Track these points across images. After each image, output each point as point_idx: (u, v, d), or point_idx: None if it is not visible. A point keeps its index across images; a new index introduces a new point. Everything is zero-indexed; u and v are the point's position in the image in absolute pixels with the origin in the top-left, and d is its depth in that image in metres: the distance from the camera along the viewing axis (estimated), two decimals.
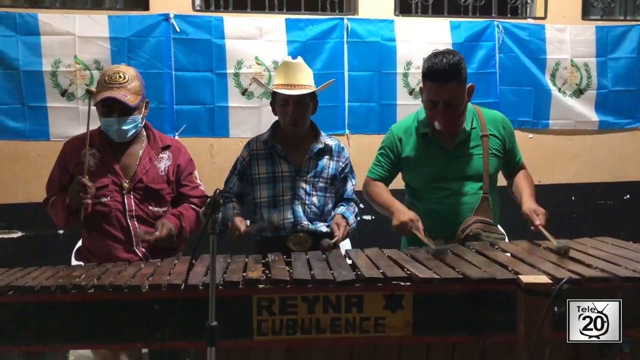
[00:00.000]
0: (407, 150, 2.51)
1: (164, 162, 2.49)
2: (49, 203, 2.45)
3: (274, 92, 2.46)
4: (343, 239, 2.38)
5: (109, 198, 2.38)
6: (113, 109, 2.33)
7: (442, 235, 2.40)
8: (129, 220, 2.39)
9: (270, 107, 2.57)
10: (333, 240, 2.30)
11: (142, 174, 2.42)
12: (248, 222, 2.40)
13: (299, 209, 2.44)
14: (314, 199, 2.46)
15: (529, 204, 2.38)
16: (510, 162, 2.60)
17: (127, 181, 2.41)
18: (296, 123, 2.43)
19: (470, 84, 2.40)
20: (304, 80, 2.42)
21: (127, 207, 2.39)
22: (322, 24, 4.07)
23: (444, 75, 2.28)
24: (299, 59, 2.49)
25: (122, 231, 2.39)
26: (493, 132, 2.50)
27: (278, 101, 2.44)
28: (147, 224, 2.41)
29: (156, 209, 2.44)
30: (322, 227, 2.47)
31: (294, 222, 2.43)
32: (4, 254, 3.70)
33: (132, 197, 2.40)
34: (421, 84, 2.42)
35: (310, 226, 2.44)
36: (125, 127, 2.36)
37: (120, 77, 2.33)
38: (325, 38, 4.07)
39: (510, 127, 2.58)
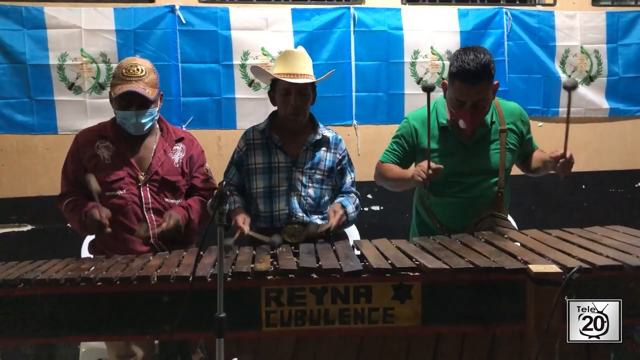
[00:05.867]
0: (424, 143, 2.45)
1: (178, 154, 2.50)
2: (63, 202, 2.42)
3: (273, 81, 2.44)
4: (338, 227, 2.34)
5: (124, 191, 2.38)
6: (131, 102, 2.33)
7: (455, 228, 2.40)
8: (145, 213, 2.39)
9: None
10: (326, 227, 2.29)
11: (158, 166, 2.43)
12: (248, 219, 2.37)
13: (295, 200, 2.42)
14: (310, 191, 2.45)
15: (549, 155, 2.36)
16: (527, 151, 2.59)
17: (143, 173, 2.41)
18: (298, 113, 2.41)
19: (496, 82, 2.35)
20: (306, 69, 2.41)
21: (143, 200, 2.39)
22: (329, 13, 4.04)
23: (474, 77, 2.22)
24: (301, 49, 2.48)
25: (140, 224, 2.39)
26: (511, 127, 2.49)
27: (279, 90, 2.41)
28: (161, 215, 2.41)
29: (172, 200, 2.45)
30: (317, 219, 2.46)
31: (289, 214, 2.42)
32: (13, 247, 3.72)
33: (147, 189, 2.41)
34: (444, 80, 2.39)
35: (305, 218, 2.43)
36: (143, 120, 2.37)
37: (138, 70, 2.33)
38: (331, 28, 4.04)
39: (527, 119, 2.57)
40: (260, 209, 2.43)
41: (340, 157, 2.52)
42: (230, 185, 2.48)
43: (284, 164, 2.43)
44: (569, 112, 2.25)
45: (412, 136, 2.50)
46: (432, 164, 2.24)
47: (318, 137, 2.47)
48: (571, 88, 2.12)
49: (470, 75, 2.21)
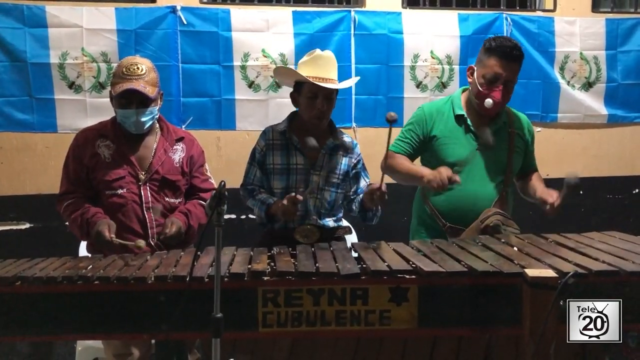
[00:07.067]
0: (437, 129, 2.51)
1: (178, 153, 2.50)
2: (63, 203, 2.40)
3: (298, 83, 2.44)
4: (382, 193, 2.25)
5: (125, 189, 2.38)
6: (131, 100, 2.33)
7: (460, 223, 2.43)
8: (145, 212, 2.39)
9: (277, 100, 2.56)
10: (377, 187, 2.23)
11: (158, 165, 2.43)
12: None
13: (310, 202, 2.43)
14: (326, 194, 2.46)
15: (544, 190, 2.45)
16: (527, 165, 2.63)
17: (143, 172, 2.41)
18: (323, 116, 2.42)
19: None
20: (334, 74, 2.42)
21: (143, 199, 2.39)
22: (330, 16, 4.05)
23: (512, 53, 2.37)
24: (329, 53, 2.47)
25: (139, 223, 2.39)
26: (519, 132, 2.55)
27: (305, 93, 2.41)
28: (164, 216, 2.42)
29: (172, 200, 2.45)
30: (331, 222, 2.47)
31: (304, 215, 2.43)
32: (12, 245, 3.73)
33: (148, 188, 2.41)
34: (470, 64, 2.51)
35: (319, 221, 2.44)
36: (143, 119, 2.37)
37: (138, 68, 2.33)
38: (332, 30, 4.05)
39: (533, 131, 2.67)
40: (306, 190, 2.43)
41: (355, 162, 2.54)
42: (254, 185, 2.48)
43: (302, 166, 2.44)
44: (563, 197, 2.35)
45: (426, 123, 2.53)
46: (453, 175, 2.29)
47: (337, 141, 2.48)
48: (573, 186, 2.29)
49: (509, 51, 2.37)
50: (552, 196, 2.34)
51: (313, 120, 2.42)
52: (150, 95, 2.33)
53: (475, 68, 2.47)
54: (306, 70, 2.40)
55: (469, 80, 2.52)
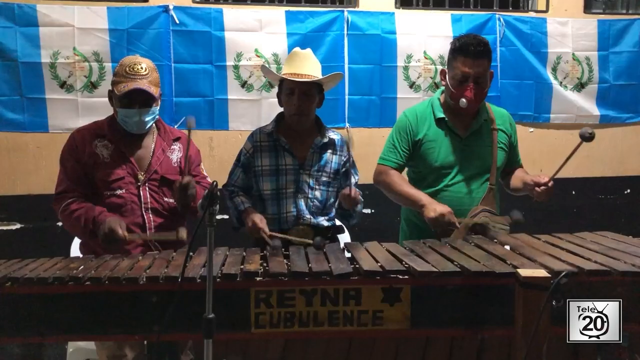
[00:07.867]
0: (421, 133, 2.53)
1: (176, 153, 2.49)
2: (62, 203, 2.34)
3: (280, 82, 2.45)
4: (355, 202, 2.31)
5: (124, 190, 2.36)
6: (134, 100, 2.31)
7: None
8: (144, 213, 2.37)
9: (270, 100, 2.56)
10: (347, 192, 2.28)
11: (157, 165, 2.41)
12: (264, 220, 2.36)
13: (302, 202, 2.43)
14: (317, 193, 2.45)
15: (532, 176, 2.48)
16: (511, 161, 2.64)
17: (142, 173, 2.39)
18: (300, 113, 2.41)
19: (490, 71, 2.47)
20: (311, 70, 2.41)
21: (142, 199, 2.38)
22: (323, 16, 4.05)
23: (477, 50, 2.37)
24: (308, 50, 2.49)
25: (138, 224, 2.36)
26: (501, 128, 2.57)
27: (284, 90, 2.42)
28: (162, 216, 2.40)
29: (170, 200, 2.43)
30: (324, 221, 2.47)
31: (297, 216, 2.43)
32: (2, 245, 3.70)
33: (147, 188, 2.39)
34: (442, 67, 2.47)
35: (313, 220, 2.44)
36: (146, 119, 2.36)
37: (141, 68, 2.32)
38: (325, 30, 4.05)
39: (514, 125, 2.68)
40: (268, 211, 2.43)
41: (344, 159, 2.53)
42: (235, 187, 2.48)
43: (292, 166, 2.44)
44: (571, 155, 2.37)
45: (411, 128, 2.54)
46: (455, 219, 2.31)
47: (325, 140, 2.48)
48: (588, 139, 2.31)
49: (474, 49, 2.38)
50: (543, 178, 2.38)
51: (292, 117, 2.42)
52: (154, 95, 2.32)
53: (447, 71, 2.49)
54: (285, 67, 2.44)
55: (443, 83, 2.54)
